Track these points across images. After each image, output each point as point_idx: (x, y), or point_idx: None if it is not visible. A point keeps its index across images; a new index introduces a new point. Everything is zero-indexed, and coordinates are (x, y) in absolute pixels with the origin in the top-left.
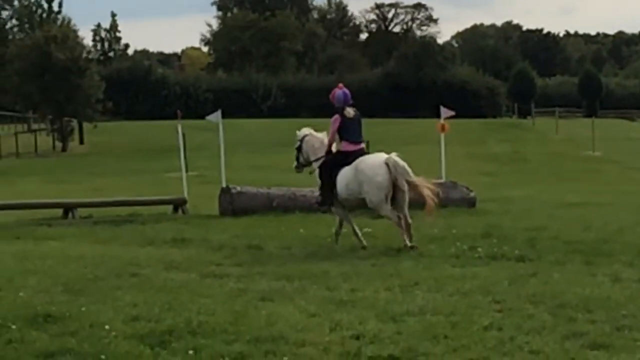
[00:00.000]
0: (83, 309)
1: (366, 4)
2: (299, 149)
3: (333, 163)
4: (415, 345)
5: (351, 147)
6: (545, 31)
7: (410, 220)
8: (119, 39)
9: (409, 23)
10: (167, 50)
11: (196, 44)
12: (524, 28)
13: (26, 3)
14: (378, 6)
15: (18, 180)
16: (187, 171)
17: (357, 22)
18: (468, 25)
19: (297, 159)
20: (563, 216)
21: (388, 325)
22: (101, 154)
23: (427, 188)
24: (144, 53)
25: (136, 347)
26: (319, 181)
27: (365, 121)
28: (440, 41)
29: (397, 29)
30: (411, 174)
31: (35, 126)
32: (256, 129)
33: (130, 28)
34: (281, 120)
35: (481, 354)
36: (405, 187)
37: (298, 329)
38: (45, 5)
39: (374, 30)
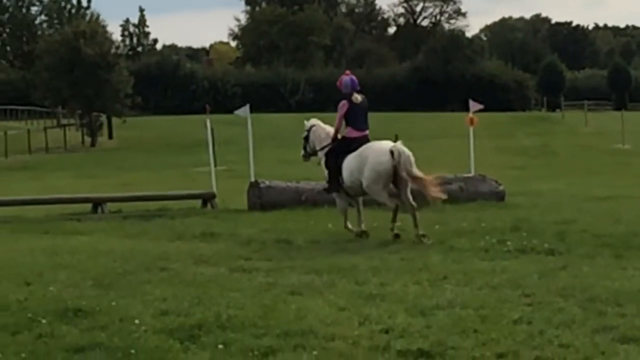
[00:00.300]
0: (113, 303)
1: None
2: (306, 138)
3: (339, 150)
4: (444, 339)
5: (355, 134)
6: (574, 24)
7: (414, 204)
8: (148, 34)
9: (438, 16)
10: (196, 45)
11: (224, 38)
12: (553, 21)
13: None
14: (406, 0)
15: (47, 175)
16: (215, 165)
17: (385, 16)
18: (497, 18)
19: (305, 148)
20: (592, 209)
21: (417, 319)
22: (130, 148)
23: (430, 183)
24: (173, 48)
25: (165, 341)
26: (325, 170)
27: (393, 115)
28: (468, 34)
29: (425, 23)
30: (414, 165)
31: (64, 121)
32: (284, 123)
33: (159, 23)
34: (309, 115)
35: (511, 348)
36: (407, 175)
37: (327, 323)
38: (74, 1)
39: (402, 24)
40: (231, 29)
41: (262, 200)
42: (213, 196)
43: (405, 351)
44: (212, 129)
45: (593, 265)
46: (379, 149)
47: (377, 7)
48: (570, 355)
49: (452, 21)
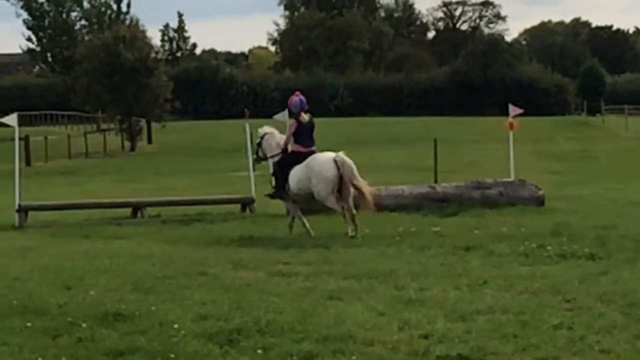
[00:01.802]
0: (152, 307)
1: (433, 2)
2: (259, 144)
3: (286, 161)
4: (484, 345)
5: (302, 149)
6: (614, 28)
7: (354, 212)
8: (187, 38)
9: (477, 21)
10: (235, 49)
11: (263, 43)
12: (593, 25)
13: (95, 4)
14: (445, 4)
15: (87, 180)
16: (254, 170)
17: (424, 20)
18: (536, 22)
19: (257, 152)
20: (633, 214)
21: (457, 324)
22: (169, 153)
23: (369, 193)
24: (212, 53)
25: (205, 345)
26: (272, 177)
27: (431, 120)
28: (508, 39)
29: (464, 27)
30: (357, 173)
31: (104, 126)
32: (324, 127)
33: (198, 28)
34: (348, 119)
35: (551, 353)
36: (349, 182)
37: (366, 328)
38: (114, 6)
39: (441, 28)
40: (270, 34)
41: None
42: (252, 201)
43: (445, 356)
44: (251, 134)
45: (634, 270)
46: (324, 160)
47: (416, 11)
48: None
49: (492, 25)
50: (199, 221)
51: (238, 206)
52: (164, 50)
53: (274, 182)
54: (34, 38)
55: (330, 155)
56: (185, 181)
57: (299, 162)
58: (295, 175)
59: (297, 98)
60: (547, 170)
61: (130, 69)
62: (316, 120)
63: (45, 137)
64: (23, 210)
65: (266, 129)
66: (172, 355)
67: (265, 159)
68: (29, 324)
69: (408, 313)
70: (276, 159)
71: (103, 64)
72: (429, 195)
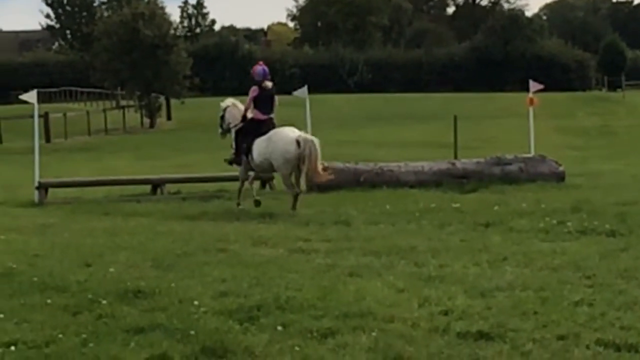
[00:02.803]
0: (172, 284)
1: None
2: (222, 117)
3: (247, 129)
4: (504, 321)
5: (262, 117)
6: (635, 2)
7: (303, 189)
8: (206, 15)
9: None
10: (254, 26)
11: (282, 19)
12: None
13: None
14: None
15: (107, 157)
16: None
17: None
18: None
19: (221, 125)
20: None
21: (477, 300)
22: (188, 129)
23: (322, 177)
24: (231, 29)
25: (225, 322)
26: (233, 143)
27: (452, 95)
28: (528, 14)
29: (484, 2)
30: (319, 155)
31: (123, 103)
32: (343, 104)
33: (217, 4)
34: (368, 95)
35: (572, 330)
36: (307, 162)
37: (386, 305)
38: None
39: (461, 3)
40: (289, 10)
41: None
42: (271, 177)
43: (465, 333)
44: None
45: None
46: (286, 138)
47: None
48: (632, 338)
49: (512, 0)
50: (218, 198)
51: (258, 183)
52: (183, 27)
53: (233, 147)
54: (52, 15)
55: (294, 133)
56: (204, 158)
57: (259, 130)
58: (258, 147)
59: (260, 67)
60: (567, 146)
61: (150, 45)
62: (336, 97)
63: (65, 114)
64: (43, 187)
65: (228, 101)
66: (192, 332)
67: (229, 130)
68: (49, 301)
69: (428, 289)
70: (238, 126)
71: (122, 40)
72: (449, 172)
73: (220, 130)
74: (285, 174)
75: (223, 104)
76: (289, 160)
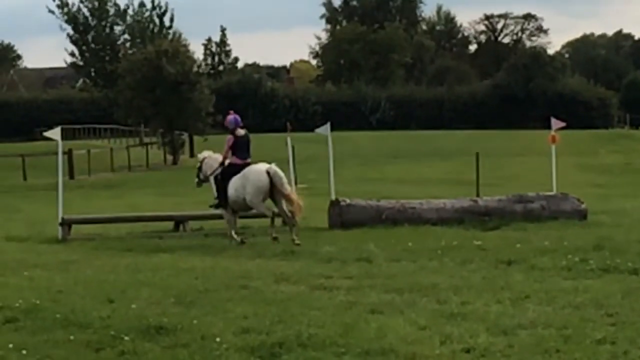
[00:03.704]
0: (194, 321)
1: (475, 15)
2: (200, 168)
3: (225, 173)
4: (527, 359)
5: (239, 162)
6: None
7: (291, 215)
8: (229, 52)
9: (519, 33)
10: (276, 63)
11: (305, 57)
12: (636, 37)
13: (139, 18)
14: (487, 17)
15: (130, 193)
16: (296, 184)
17: (466, 34)
18: (578, 35)
19: (198, 176)
20: None
21: (499, 338)
22: None
23: (297, 198)
24: (254, 66)
25: (247, 359)
26: (214, 190)
27: (474, 133)
28: (550, 51)
29: (506, 40)
30: (285, 183)
31: (146, 140)
32: (365, 141)
33: (240, 42)
34: (390, 133)
35: None
36: (283, 191)
37: (408, 342)
38: (157, 21)
39: (483, 41)
40: (312, 47)
41: (342, 218)
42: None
43: None
44: (292, 147)
45: None
46: (257, 170)
47: (458, 24)
48: None
49: (534, 38)
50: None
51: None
52: (206, 64)
53: (215, 194)
54: (77, 52)
55: (264, 166)
56: None
57: (237, 173)
58: (233, 184)
59: (231, 117)
60: (590, 183)
61: (173, 82)
62: (358, 134)
63: (88, 151)
64: (66, 224)
65: (205, 153)
66: None
67: (206, 180)
68: (72, 337)
69: (450, 327)
70: (217, 172)
71: (145, 77)
72: (471, 209)
73: (196, 180)
74: (258, 202)
75: (200, 156)
76: (260, 188)
